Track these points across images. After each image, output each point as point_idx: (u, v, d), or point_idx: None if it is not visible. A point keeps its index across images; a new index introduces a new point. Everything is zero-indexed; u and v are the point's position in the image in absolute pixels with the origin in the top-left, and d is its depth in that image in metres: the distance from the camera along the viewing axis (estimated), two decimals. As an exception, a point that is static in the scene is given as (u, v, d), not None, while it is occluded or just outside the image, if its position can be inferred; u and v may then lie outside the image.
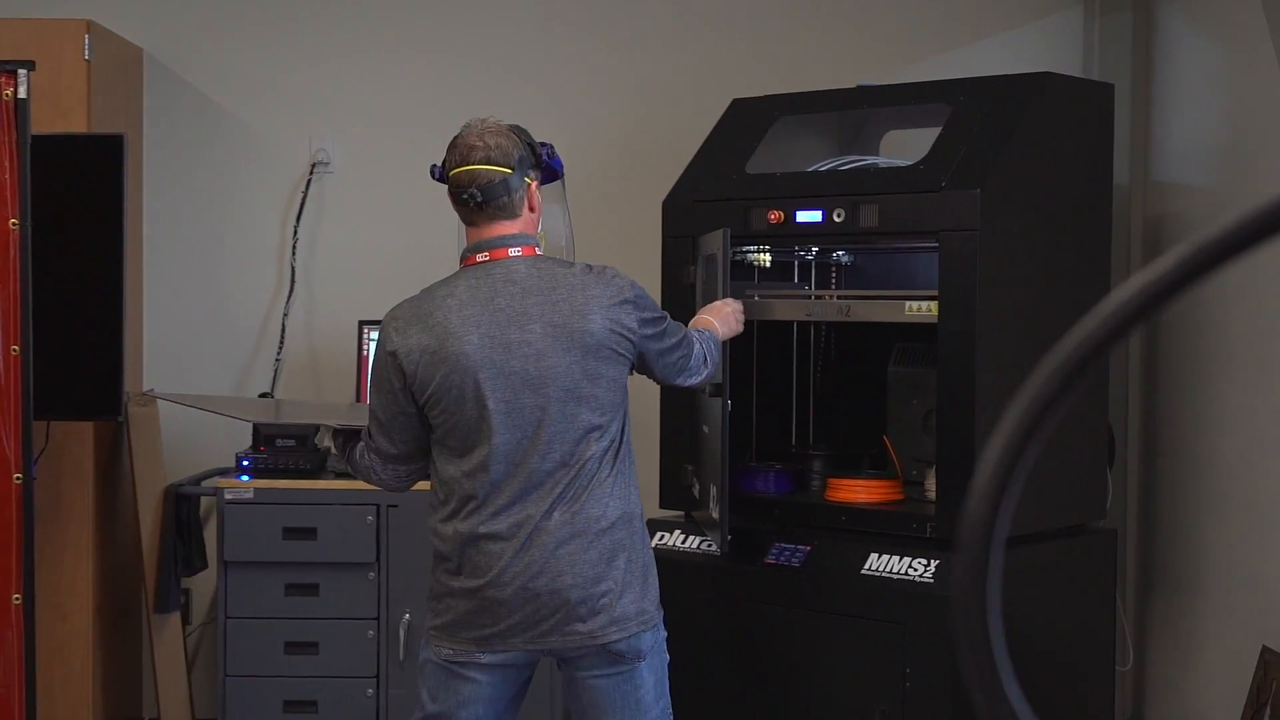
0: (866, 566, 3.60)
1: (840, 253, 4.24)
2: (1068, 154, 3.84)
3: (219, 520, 4.35)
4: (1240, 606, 4.08)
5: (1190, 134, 4.44)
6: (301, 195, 4.88)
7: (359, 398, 4.60)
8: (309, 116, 4.91)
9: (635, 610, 3.03)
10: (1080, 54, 4.76)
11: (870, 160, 3.96)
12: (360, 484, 4.30)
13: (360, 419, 3.24)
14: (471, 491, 2.98)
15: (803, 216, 3.76)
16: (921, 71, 4.53)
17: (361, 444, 3.15)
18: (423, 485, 3.18)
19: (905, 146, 4.17)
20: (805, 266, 4.31)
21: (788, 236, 3.87)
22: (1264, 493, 3.98)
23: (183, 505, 4.55)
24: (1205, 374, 4.26)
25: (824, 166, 3.94)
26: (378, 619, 4.33)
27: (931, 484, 3.70)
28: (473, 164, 3.01)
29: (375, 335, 4.63)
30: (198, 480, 4.62)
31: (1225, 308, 4.16)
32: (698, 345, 3.23)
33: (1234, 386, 4.14)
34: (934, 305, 3.55)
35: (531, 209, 3.07)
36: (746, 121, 4.10)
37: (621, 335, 3.02)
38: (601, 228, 4.64)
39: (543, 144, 3.11)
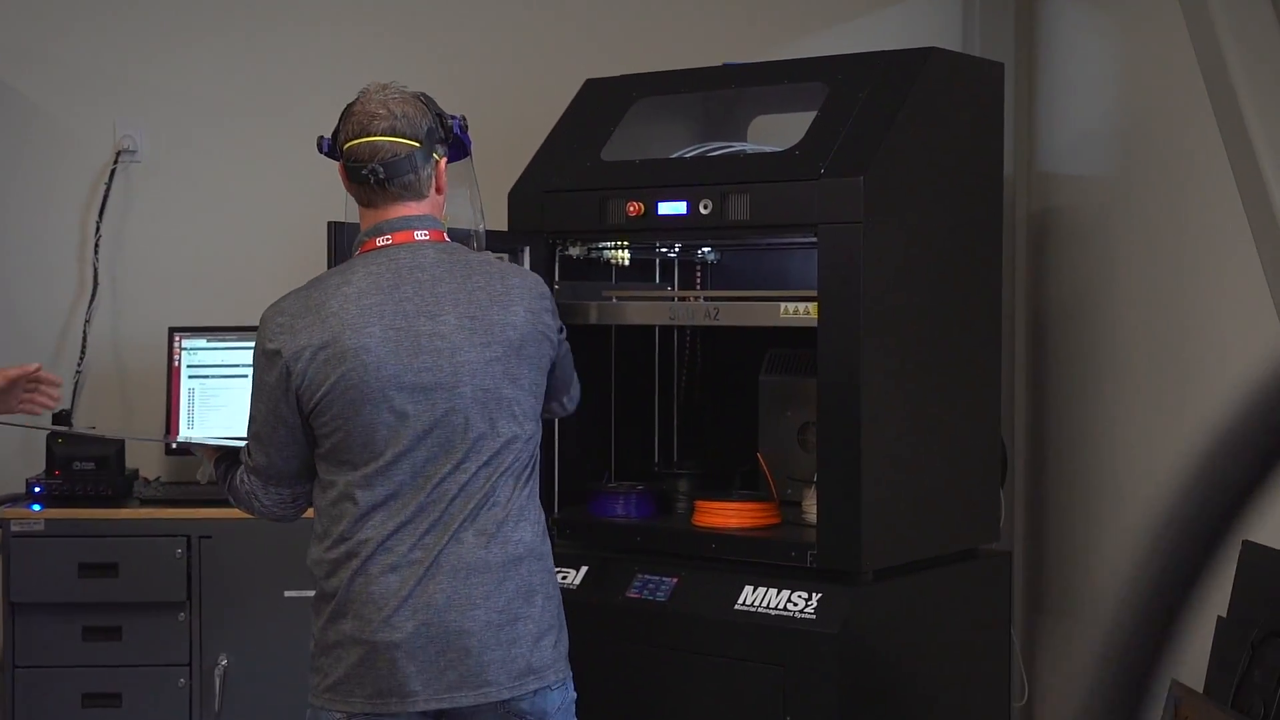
0: (741, 601, 3.31)
1: (707, 249, 4.01)
2: (957, 138, 3.59)
3: (4, 556, 3.93)
4: (1142, 635, 3.83)
5: (1080, 120, 4.20)
6: (105, 188, 4.46)
7: (170, 413, 4.20)
8: (112, 98, 4.47)
9: (552, 658, 2.70)
10: (960, 34, 4.52)
11: (739, 146, 3.67)
12: (170, 512, 3.99)
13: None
14: (366, 510, 2.61)
15: (665, 208, 3.50)
16: (792, 50, 4.27)
17: (242, 467, 2.78)
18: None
19: (775, 133, 3.89)
20: (668, 265, 4.08)
21: (648, 231, 3.61)
22: (1162, 511, 3.70)
23: (-36, 539, 4.07)
24: (1097, 382, 4.03)
25: (688, 153, 3.67)
26: (190, 665, 3.96)
27: (811, 505, 3.43)
28: (374, 135, 2.68)
29: (188, 344, 4.30)
30: (-18, 510, 4.15)
31: (1117, 313, 3.92)
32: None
33: (1126, 394, 3.90)
34: (813, 307, 3.29)
35: (439, 190, 2.76)
36: (602, 104, 3.83)
37: (544, 335, 2.74)
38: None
39: (453, 116, 2.78)
